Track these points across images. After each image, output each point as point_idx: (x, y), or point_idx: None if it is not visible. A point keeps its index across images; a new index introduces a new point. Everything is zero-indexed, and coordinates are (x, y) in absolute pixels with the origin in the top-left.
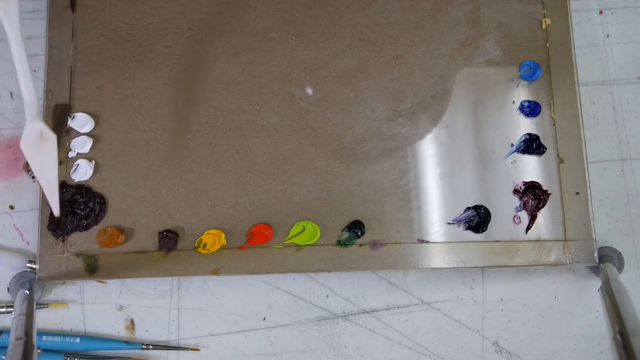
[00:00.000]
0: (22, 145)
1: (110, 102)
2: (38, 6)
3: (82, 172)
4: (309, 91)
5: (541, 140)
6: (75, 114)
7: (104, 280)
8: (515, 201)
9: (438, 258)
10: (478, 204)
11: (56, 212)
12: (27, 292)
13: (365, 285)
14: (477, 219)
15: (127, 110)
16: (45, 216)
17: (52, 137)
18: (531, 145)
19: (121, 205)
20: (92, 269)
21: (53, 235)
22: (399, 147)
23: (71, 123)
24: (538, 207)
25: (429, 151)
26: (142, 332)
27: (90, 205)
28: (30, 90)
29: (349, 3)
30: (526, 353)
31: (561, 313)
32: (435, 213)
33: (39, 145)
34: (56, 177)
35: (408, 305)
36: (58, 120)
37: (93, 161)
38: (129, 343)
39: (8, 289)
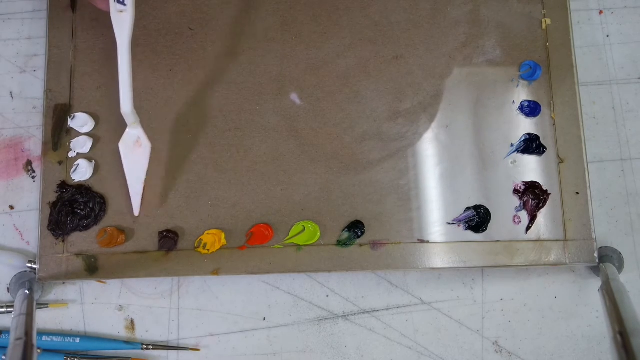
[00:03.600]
0: (120, 146)
1: (110, 102)
2: (38, 6)
3: (82, 172)
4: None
5: (541, 140)
6: (75, 114)
7: (104, 280)
8: (515, 201)
9: (438, 258)
10: (478, 204)
11: (136, 212)
12: (27, 292)
13: (365, 285)
14: (477, 219)
15: None
16: (45, 216)
17: (147, 145)
18: (531, 145)
19: (121, 205)
20: (92, 269)
21: (53, 235)
22: (399, 147)
23: (71, 123)
24: (538, 207)
25: (429, 151)
26: (142, 332)
27: (90, 205)
28: (127, 102)
29: (349, 3)
30: (526, 353)
31: (561, 313)
32: (435, 213)
33: (133, 148)
34: (143, 180)
35: (408, 305)
36: (58, 120)
37: (93, 161)
38: (129, 343)
39: (8, 289)
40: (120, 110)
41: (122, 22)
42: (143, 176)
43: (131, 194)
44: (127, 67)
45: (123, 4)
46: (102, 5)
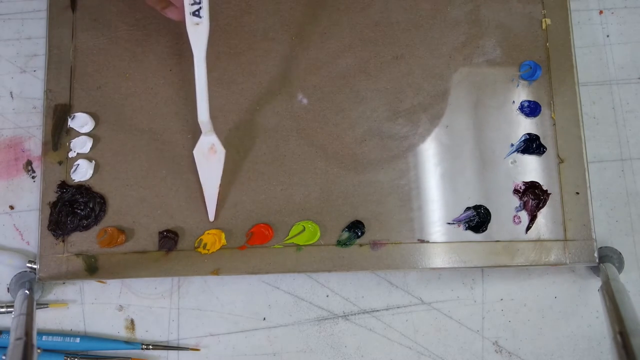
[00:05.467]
0: (195, 153)
1: (110, 102)
2: (38, 6)
3: (82, 172)
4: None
5: (541, 140)
6: (75, 114)
7: (104, 280)
8: (515, 201)
9: (438, 258)
10: (478, 204)
11: (211, 217)
12: (27, 292)
13: (365, 285)
14: (477, 219)
15: (127, 110)
16: (45, 216)
17: (221, 151)
18: (531, 145)
19: (121, 205)
20: (92, 269)
21: (53, 235)
22: (399, 147)
23: (71, 123)
24: (538, 207)
25: (429, 151)
26: (142, 332)
27: (91, 205)
28: (205, 112)
29: (349, 3)
30: (526, 353)
31: (561, 313)
32: (436, 213)
33: (208, 155)
34: (218, 186)
35: (408, 305)
36: (58, 120)
37: (93, 161)
38: (129, 343)
39: (8, 289)
40: (198, 119)
41: (199, 34)
42: (218, 182)
43: (206, 199)
44: (203, 78)
45: (199, 16)
46: (173, 14)
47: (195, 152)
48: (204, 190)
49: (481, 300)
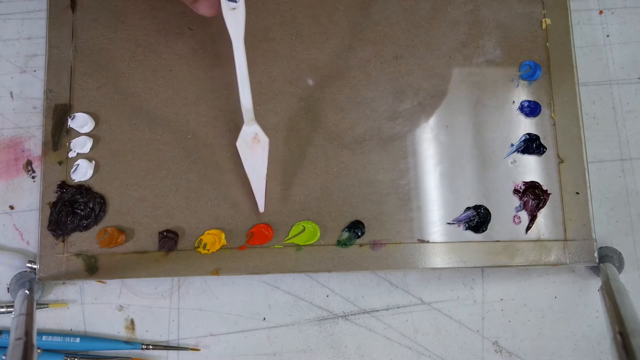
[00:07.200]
0: (238, 144)
1: (110, 102)
2: (38, 6)
3: (82, 172)
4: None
5: (541, 140)
6: (75, 114)
7: (104, 280)
8: (515, 201)
9: (438, 258)
10: (478, 204)
11: (261, 207)
12: (27, 292)
13: (365, 285)
14: (477, 219)
15: (127, 110)
16: (45, 216)
17: (264, 140)
18: (531, 145)
19: (121, 205)
20: (92, 269)
21: (53, 235)
22: (399, 147)
23: (71, 123)
24: (538, 207)
25: (429, 151)
26: (142, 332)
27: (91, 206)
28: (248, 97)
29: (349, 3)
30: (526, 353)
31: (561, 313)
32: (436, 213)
33: (252, 146)
34: (264, 175)
35: (408, 305)
36: (58, 120)
37: (93, 161)
38: (129, 343)
39: (8, 289)
40: (241, 106)
41: (235, 19)
42: (264, 172)
43: (254, 191)
44: (244, 63)
45: (235, 1)
46: (204, 8)
47: (238, 143)
48: (250, 181)
49: (481, 300)
